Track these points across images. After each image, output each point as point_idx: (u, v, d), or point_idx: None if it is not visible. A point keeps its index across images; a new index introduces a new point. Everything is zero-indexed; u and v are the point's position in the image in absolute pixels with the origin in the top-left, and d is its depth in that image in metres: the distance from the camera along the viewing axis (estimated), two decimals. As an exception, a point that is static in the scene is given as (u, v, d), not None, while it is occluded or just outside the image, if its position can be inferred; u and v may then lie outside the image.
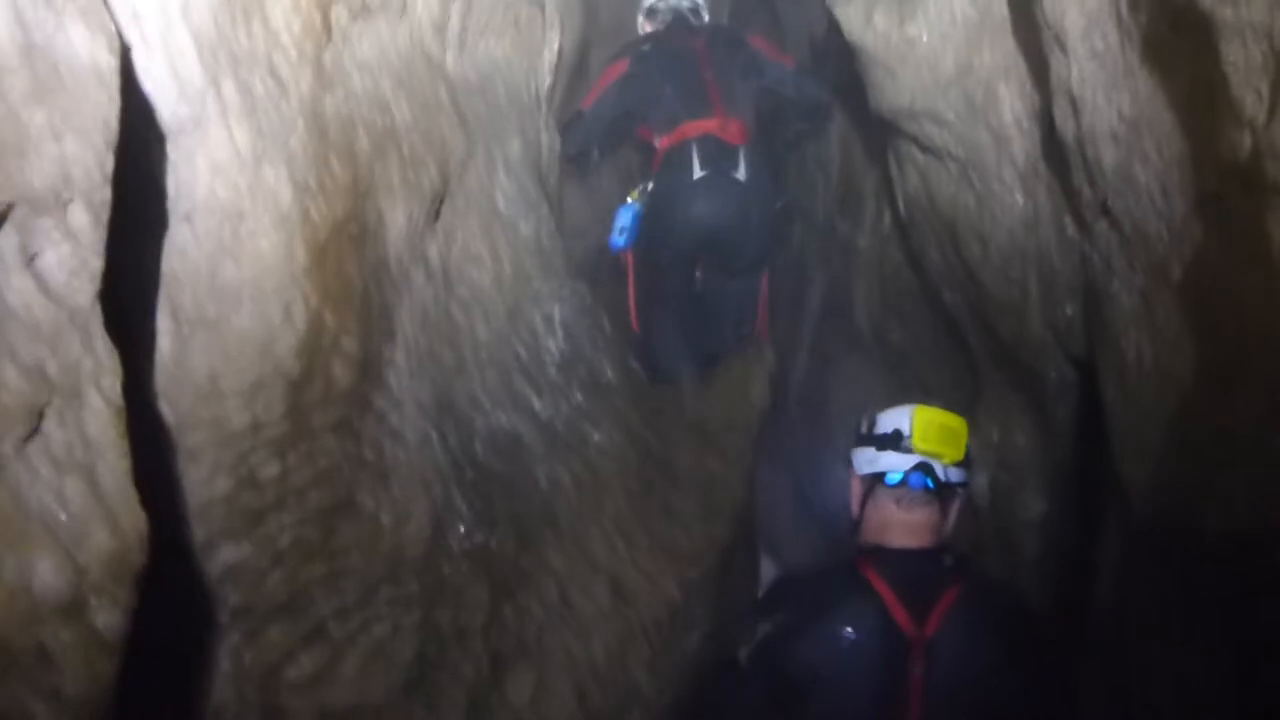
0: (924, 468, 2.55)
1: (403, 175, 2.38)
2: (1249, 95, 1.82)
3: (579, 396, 3.47)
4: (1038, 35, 3.08)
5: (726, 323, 4.91)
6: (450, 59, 3.00)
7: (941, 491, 2.58)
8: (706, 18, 5.12)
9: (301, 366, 2.04)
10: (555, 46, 4.14)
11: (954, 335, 4.77)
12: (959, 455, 2.63)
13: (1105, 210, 2.87)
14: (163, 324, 1.81)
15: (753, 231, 4.52)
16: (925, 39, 3.67)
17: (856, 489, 2.67)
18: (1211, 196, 2.22)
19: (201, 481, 1.97)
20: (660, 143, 4.59)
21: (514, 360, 3.17)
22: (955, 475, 2.62)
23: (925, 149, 3.98)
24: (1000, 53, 3.46)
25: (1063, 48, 2.79)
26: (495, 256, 3.12)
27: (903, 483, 2.55)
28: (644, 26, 5.09)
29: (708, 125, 4.41)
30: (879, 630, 2.34)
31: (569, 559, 3.00)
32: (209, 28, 1.73)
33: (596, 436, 3.42)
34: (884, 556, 2.49)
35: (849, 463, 2.72)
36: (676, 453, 3.74)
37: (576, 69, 5.00)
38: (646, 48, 4.75)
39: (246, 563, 2.10)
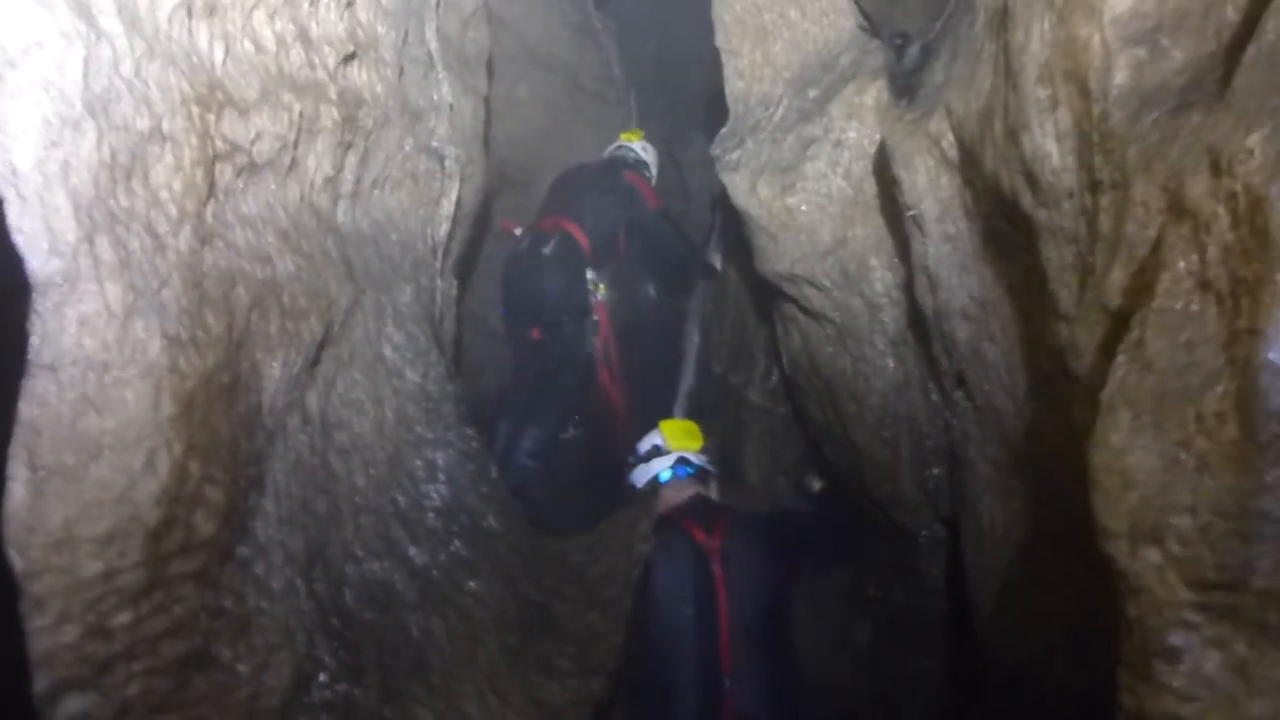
0: (682, 460, 3.92)
1: (281, 326, 2.45)
2: (1063, 290, 2.00)
3: (457, 544, 3.49)
4: (900, 216, 3.31)
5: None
6: (341, 211, 3.10)
7: (699, 474, 3.92)
8: (633, 155, 6.26)
9: (161, 515, 2.05)
10: (453, 196, 4.28)
11: (838, 490, 4.91)
12: (700, 445, 4.03)
13: (961, 382, 3.06)
14: (18, 471, 1.82)
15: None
16: (804, 209, 3.90)
17: (647, 498, 3.91)
18: (1044, 377, 2.40)
19: (47, 629, 1.95)
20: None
21: (391, 507, 3.19)
22: (702, 459, 3.96)
23: (806, 311, 4.18)
24: (871, 228, 3.70)
25: (921, 229, 3.01)
26: (378, 403, 3.17)
27: (672, 477, 3.89)
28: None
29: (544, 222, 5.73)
30: (687, 545, 3.51)
31: (438, 715, 2.97)
32: (88, 187, 1.80)
33: (474, 585, 3.42)
34: (679, 509, 3.72)
35: (633, 489, 4.03)
36: (557, 604, 3.75)
37: (479, 217, 5.16)
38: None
39: (92, 713, 2.06)
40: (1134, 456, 1.19)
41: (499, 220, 6.04)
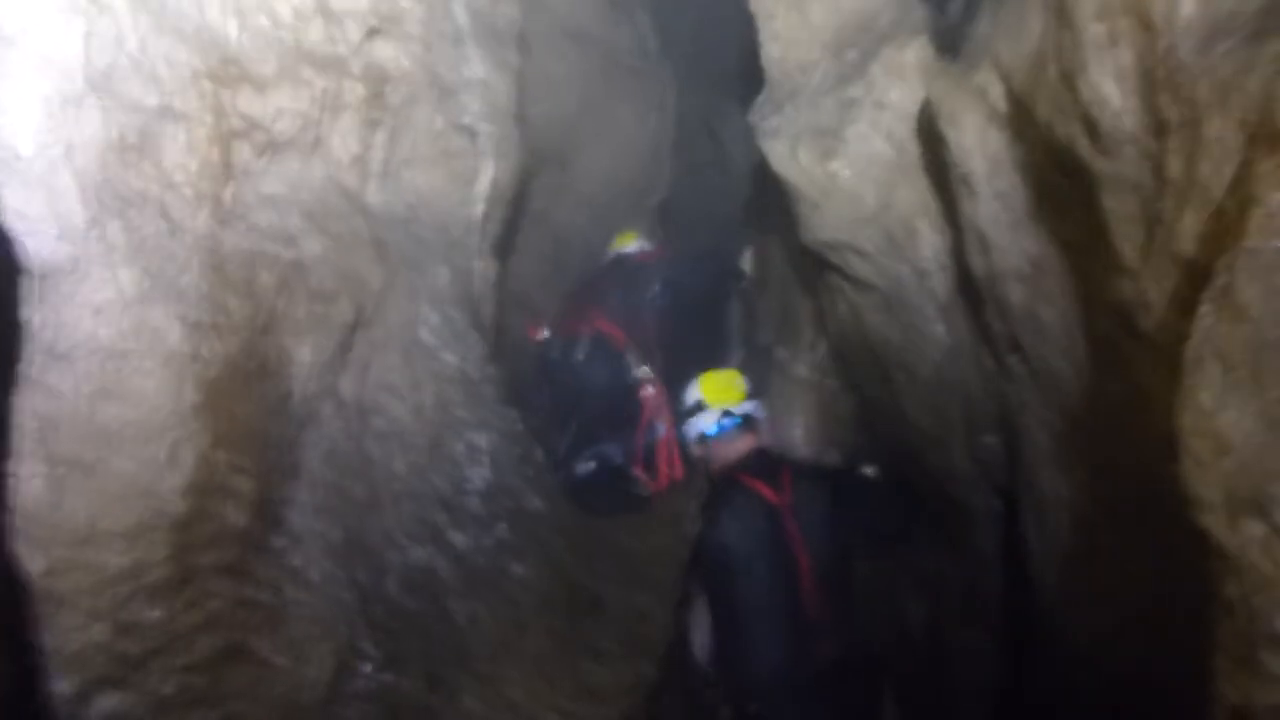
0: (726, 414, 3.77)
1: (309, 309, 2.36)
2: (1126, 243, 1.85)
3: (502, 528, 3.40)
4: (947, 176, 3.16)
5: None
6: (371, 191, 3.01)
7: (746, 423, 3.79)
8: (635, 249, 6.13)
9: (188, 508, 1.98)
10: (489, 177, 4.17)
11: (889, 466, 4.76)
12: (742, 396, 3.90)
13: (1016, 347, 2.90)
14: (35, 468, 1.75)
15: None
16: (846, 174, 3.75)
17: (698, 451, 3.89)
18: (1105, 339, 2.24)
19: (76, 628, 1.89)
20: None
21: (433, 493, 3.11)
22: (747, 407, 3.86)
23: (851, 280, 4.03)
24: (916, 191, 3.54)
25: (970, 188, 2.85)
26: (415, 387, 3.09)
27: (720, 431, 3.74)
28: None
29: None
30: (756, 503, 3.39)
31: (484, 701, 2.89)
32: (95, 168, 1.72)
33: (519, 570, 3.34)
34: (737, 465, 3.61)
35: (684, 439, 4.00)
36: (604, 586, 3.66)
37: (516, 198, 5.06)
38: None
39: (126, 712, 2.00)
40: (1228, 417, 1.05)
41: (530, 310, 5.99)
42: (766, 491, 3.42)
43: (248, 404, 2.11)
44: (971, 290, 3.31)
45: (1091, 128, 1.93)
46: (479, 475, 3.44)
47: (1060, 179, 2.34)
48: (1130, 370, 2.00)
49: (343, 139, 2.69)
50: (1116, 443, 2.38)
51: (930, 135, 3.22)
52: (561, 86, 6.31)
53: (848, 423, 5.25)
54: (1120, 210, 1.86)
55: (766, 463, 3.65)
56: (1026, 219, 2.67)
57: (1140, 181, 1.73)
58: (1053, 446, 2.83)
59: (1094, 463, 2.56)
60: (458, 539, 3.12)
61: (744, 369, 6.35)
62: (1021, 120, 2.50)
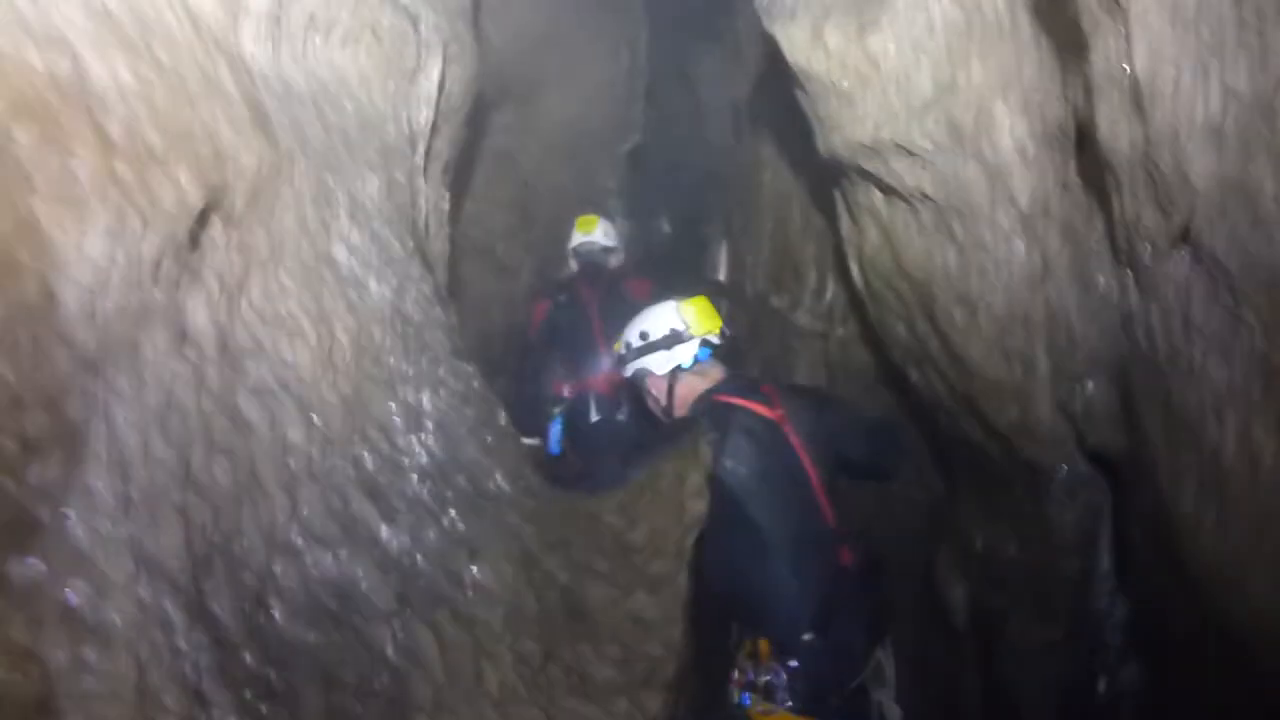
0: (706, 343, 3.18)
1: (101, 165, 1.29)
2: None
3: (452, 516, 2.36)
4: (1051, 25, 2.15)
5: None
6: (250, 38, 1.94)
7: (718, 352, 3.22)
8: (613, 260, 5.37)
9: None
10: (434, 75, 3.11)
11: (922, 426, 3.76)
12: (719, 324, 3.25)
13: (1185, 239, 1.90)
14: None
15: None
16: (893, 53, 2.72)
17: (659, 385, 3.22)
18: None
19: None
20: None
21: (351, 471, 2.05)
22: (727, 333, 3.27)
23: (891, 194, 3.00)
24: (996, 62, 2.51)
25: (1123, 17, 1.83)
26: (323, 322, 2.03)
27: (695, 362, 3.16)
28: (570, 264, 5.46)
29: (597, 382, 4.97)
30: (759, 423, 2.95)
31: (427, 773, 1.86)
32: None
33: (476, 572, 2.30)
34: (718, 390, 3.10)
35: (633, 375, 3.30)
36: (589, 584, 2.63)
37: (471, 119, 3.98)
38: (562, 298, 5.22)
39: None
40: None
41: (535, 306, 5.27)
42: (760, 409, 2.97)
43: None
44: (1089, 179, 2.30)
45: None
46: (421, 446, 2.39)
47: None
48: None
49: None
50: None
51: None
52: (525, 10, 5.22)
53: (862, 377, 4.26)
54: None
55: (746, 383, 3.18)
56: (1237, 46, 1.65)
57: None
58: (1244, 386, 1.83)
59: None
60: (388, 536, 2.06)
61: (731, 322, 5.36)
62: None
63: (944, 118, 2.65)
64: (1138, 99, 1.85)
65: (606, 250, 5.33)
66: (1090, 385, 2.56)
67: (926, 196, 2.82)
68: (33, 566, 1.18)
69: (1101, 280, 2.35)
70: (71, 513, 1.25)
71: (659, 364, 3.21)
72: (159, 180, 1.41)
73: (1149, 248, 2.01)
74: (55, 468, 1.21)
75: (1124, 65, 1.86)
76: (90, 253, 1.28)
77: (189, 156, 1.52)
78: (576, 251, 5.34)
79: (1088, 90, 2.05)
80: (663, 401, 3.22)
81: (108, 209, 1.30)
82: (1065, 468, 2.82)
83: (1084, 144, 2.24)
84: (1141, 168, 1.92)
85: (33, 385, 1.17)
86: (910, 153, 2.78)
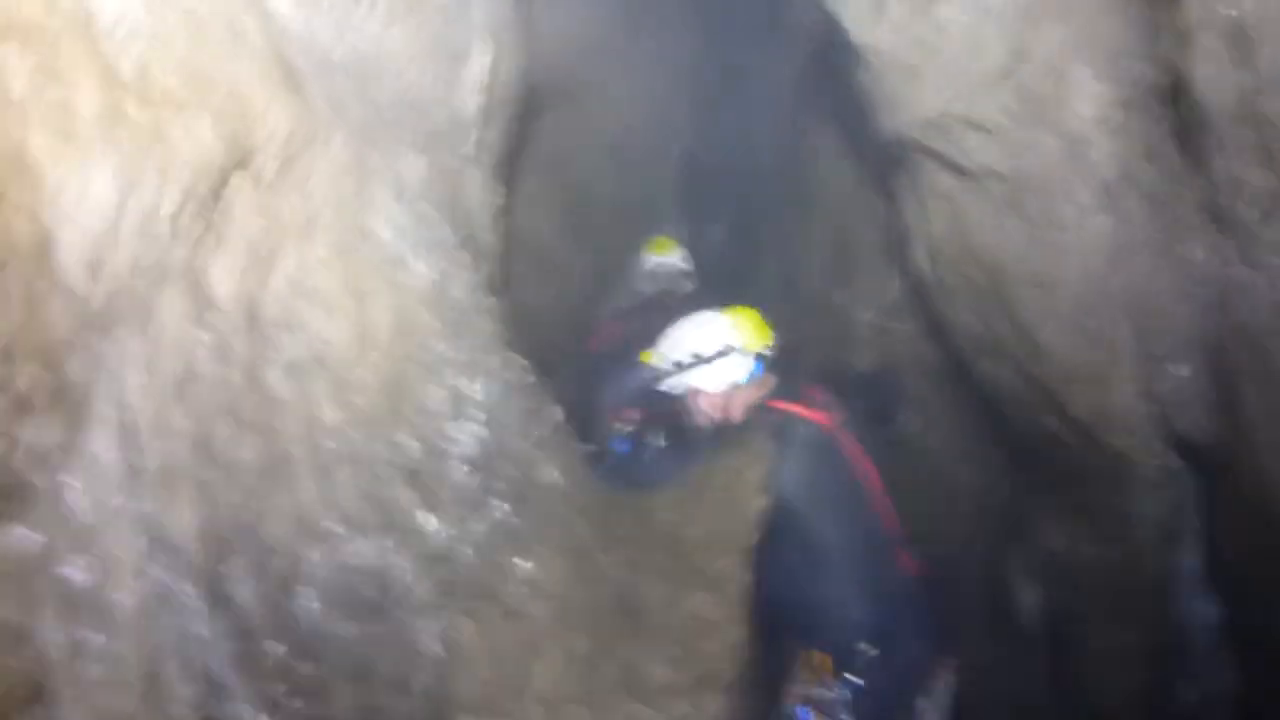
0: (760, 358, 2.98)
1: (108, 105, 1.16)
2: None
3: (503, 509, 2.20)
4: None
5: None
6: (284, 2, 1.82)
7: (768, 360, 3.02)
8: (689, 284, 5.07)
9: None
10: (485, 60, 2.99)
11: (987, 421, 3.54)
12: (770, 335, 3.04)
13: (1302, 199, 1.68)
14: None
15: None
16: (962, 20, 2.53)
17: (713, 402, 3.00)
18: None
19: None
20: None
21: (392, 456, 1.91)
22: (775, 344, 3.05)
23: (959, 174, 2.80)
24: (1075, 22, 2.31)
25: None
26: (360, 298, 1.89)
27: (750, 377, 2.96)
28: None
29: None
30: (817, 433, 2.80)
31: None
32: None
33: (526, 566, 2.14)
34: (772, 396, 2.94)
35: (681, 392, 3.05)
36: (645, 582, 2.46)
37: (522, 114, 3.85)
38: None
39: None
40: None
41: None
42: (818, 417, 2.84)
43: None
44: (1182, 141, 2.09)
45: None
46: (469, 433, 2.24)
47: None
48: None
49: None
50: None
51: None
52: (578, 5, 5.09)
53: (919, 372, 4.04)
54: None
55: (800, 390, 2.99)
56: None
57: None
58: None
59: None
60: (431, 525, 1.92)
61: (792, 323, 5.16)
62: None
63: (1017, 87, 2.45)
64: (1244, 43, 1.65)
65: (685, 274, 5.13)
66: (1184, 369, 2.34)
67: (998, 173, 2.62)
68: (25, 538, 1.05)
69: (1197, 252, 2.13)
70: (72, 481, 1.12)
71: (712, 380, 3.00)
72: (176, 128, 1.28)
73: (1255, 211, 1.79)
74: (53, 430, 1.08)
75: (1227, 9, 1.65)
76: (95, 198, 1.15)
77: (212, 108, 1.39)
78: (654, 273, 5.14)
79: (1180, 41, 1.85)
80: (717, 418, 3.02)
81: (117, 151, 1.17)
82: (1151, 462, 2.59)
83: (1176, 102, 2.03)
84: (1246, 122, 1.71)
85: (25, 335, 1.03)
86: (981, 127, 2.59)
